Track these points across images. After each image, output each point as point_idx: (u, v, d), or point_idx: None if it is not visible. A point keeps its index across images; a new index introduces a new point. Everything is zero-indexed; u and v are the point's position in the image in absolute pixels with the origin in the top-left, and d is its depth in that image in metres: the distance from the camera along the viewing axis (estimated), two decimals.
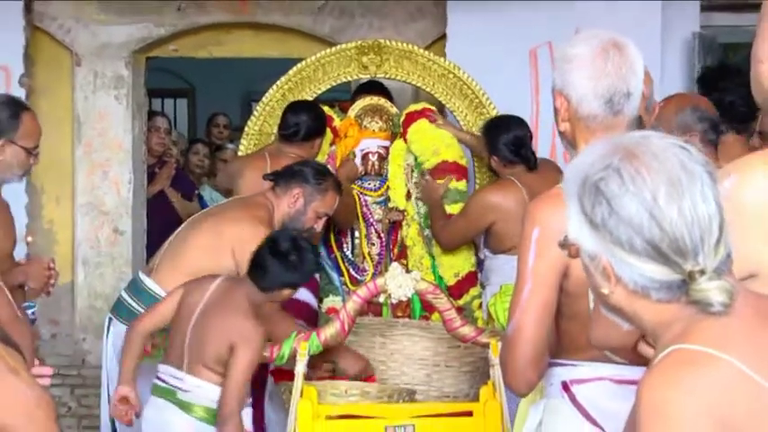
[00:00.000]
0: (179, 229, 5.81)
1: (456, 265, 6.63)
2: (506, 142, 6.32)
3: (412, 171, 6.72)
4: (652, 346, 2.65)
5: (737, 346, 2.10)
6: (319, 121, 6.52)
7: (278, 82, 6.93)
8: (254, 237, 5.39)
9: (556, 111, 3.40)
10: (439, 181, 6.63)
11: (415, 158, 6.72)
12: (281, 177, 5.79)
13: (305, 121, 6.43)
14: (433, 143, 6.69)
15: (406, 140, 6.73)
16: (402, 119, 6.77)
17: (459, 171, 6.71)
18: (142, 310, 5.51)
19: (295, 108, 6.53)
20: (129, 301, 5.61)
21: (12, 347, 2.58)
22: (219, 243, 5.51)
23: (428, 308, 5.52)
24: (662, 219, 2.12)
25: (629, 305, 2.21)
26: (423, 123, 6.72)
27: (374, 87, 7.22)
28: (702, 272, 2.12)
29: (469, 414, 4.90)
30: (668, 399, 2.06)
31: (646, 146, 2.18)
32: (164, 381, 4.90)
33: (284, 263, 4.93)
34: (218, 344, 4.77)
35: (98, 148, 7.90)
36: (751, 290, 2.25)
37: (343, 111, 6.99)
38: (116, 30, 7.86)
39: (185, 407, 4.83)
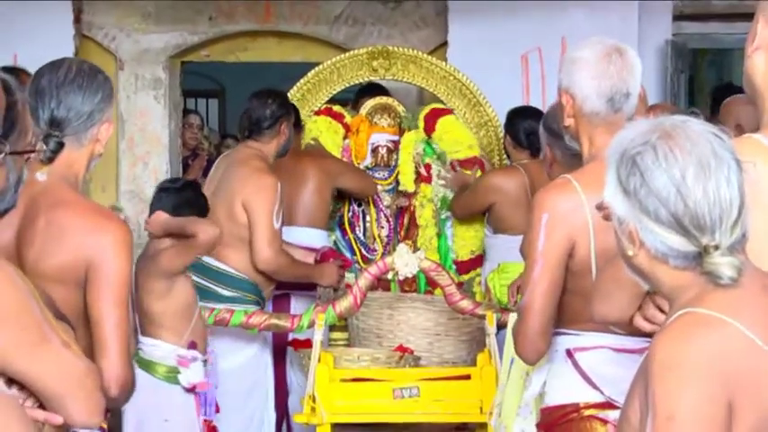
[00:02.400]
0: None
1: (473, 245, 6.63)
2: (522, 127, 6.30)
3: (421, 158, 6.69)
4: (648, 320, 2.66)
5: (743, 314, 2.12)
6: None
7: (298, 83, 6.92)
8: (264, 186, 5.41)
9: (562, 107, 3.39)
10: (467, 171, 6.63)
11: (428, 147, 6.68)
12: (261, 128, 5.74)
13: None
14: (468, 139, 6.70)
15: (429, 130, 6.70)
16: (426, 113, 6.75)
17: (482, 165, 6.70)
18: (206, 283, 5.52)
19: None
20: (195, 278, 5.63)
21: (64, 322, 2.57)
22: (235, 203, 5.57)
23: (432, 283, 5.51)
24: (687, 196, 2.13)
25: (650, 268, 2.22)
26: (453, 118, 6.72)
27: (375, 88, 7.21)
28: (717, 247, 2.13)
29: (468, 377, 4.90)
30: (678, 353, 2.08)
31: (683, 129, 2.19)
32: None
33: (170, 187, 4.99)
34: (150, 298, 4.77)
35: (139, 143, 7.91)
36: (758, 267, 2.25)
37: (356, 109, 6.99)
38: (155, 37, 7.86)
39: (143, 364, 4.76)
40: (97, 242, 2.99)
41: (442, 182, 6.66)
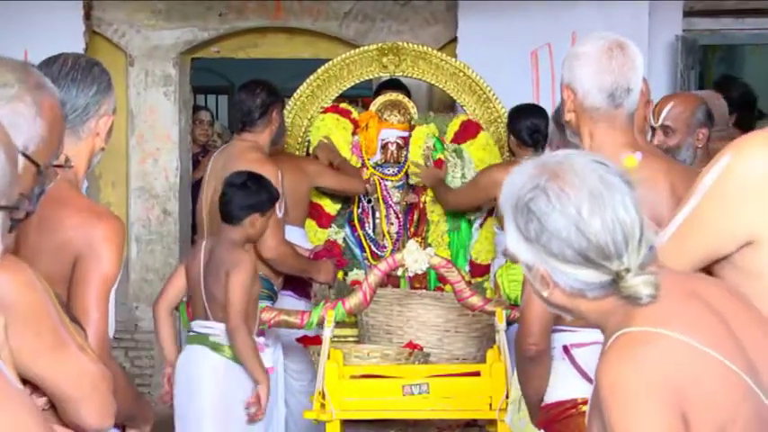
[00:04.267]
0: (207, 201, 5.82)
1: (493, 251, 6.61)
2: (524, 126, 6.31)
3: (431, 153, 6.68)
4: None
5: (674, 322, 2.13)
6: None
7: (308, 80, 6.91)
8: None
9: (563, 102, 3.39)
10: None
11: (438, 142, 6.67)
12: (254, 118, 5.78)
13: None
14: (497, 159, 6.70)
15: (469, 136, 6.66)
16: (465, 119, 6.72)
17: None
18: None
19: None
20: None
21: (77, 325, 2.58)
22: None
23: (442, 280, 5.51)
24: (587, 230, 2.14)
25: (570, 303, 2.25)
26: (489, 137, 6.71)
27: (394, 84, 7.20)
28: (628, 270, 2.15)
29: (477, 374, 4.90)
30: (623, 375, 2.09)
31: (568, 164, 2.20)
32: (197, 332, 4.97)
33: (243, 190, 5.03)
34: (221, 279, 4.86)
35: (149, 139, 7.91)
36: (671, 271, 2.27)
37: (366, 106, 6.97)
38: (165, 34, 7.87)
39: (216, 348, 4.89)
40: (85, 238, 2.95)
41: (465, 179, 6.63)
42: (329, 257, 5.97)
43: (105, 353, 2.95)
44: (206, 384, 4.84)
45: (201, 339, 4.91)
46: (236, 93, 6.03)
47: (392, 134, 6.68)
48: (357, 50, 6.99)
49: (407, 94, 7.05)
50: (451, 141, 6.68)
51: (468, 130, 6.69)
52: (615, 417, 2.07)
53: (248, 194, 5.03)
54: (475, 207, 6.54)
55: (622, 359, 2.11)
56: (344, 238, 6.61)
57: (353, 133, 6.73)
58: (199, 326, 4.97)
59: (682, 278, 2.27)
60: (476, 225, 6.67)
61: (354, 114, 6.76)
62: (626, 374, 2.08)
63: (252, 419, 4.86)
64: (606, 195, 2.15)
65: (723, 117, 5.85)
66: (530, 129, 6.30)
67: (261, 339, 5.04)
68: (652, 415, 2.05)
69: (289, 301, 5.89)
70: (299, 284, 6.02)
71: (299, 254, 5.77)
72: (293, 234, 6.08)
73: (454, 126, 6.71)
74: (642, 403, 2.06)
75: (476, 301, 4.99)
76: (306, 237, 6.39)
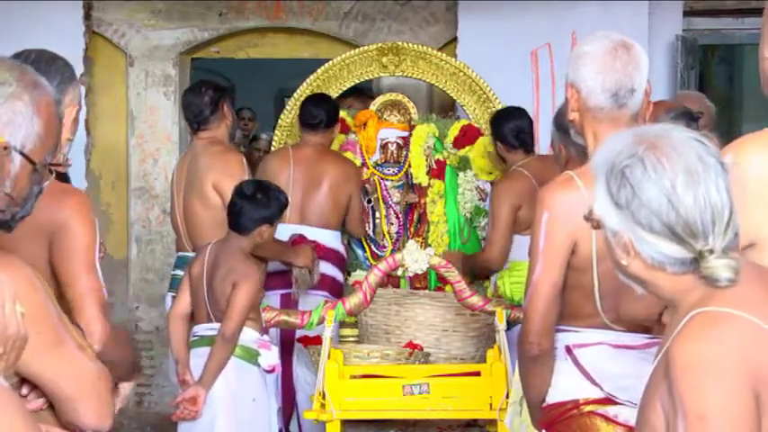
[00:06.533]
0: (180, 205, 5.84)
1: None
2: (509, 129, 6.26)
3: (432, 151, 6.67)
4: None
5: (751, 307, 2.14)
6: (337, 111, 6.47)
7: (308, 80, 6.91)
8: (230, 164, 5.43)
9: (567, 101, 3.38)
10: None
11: (438, 142, 6.67)
12: (206, 116, 5.81)
13: (327, 111, 6.35)
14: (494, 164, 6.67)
15: (468, 143, 6.65)
16: (465, 124, 6.72)
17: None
18: None
19: (316, 101, 6.46)
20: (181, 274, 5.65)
21: (75, 325, 2.58)
22: (206, 188, 5.68)
23: (443, 280, 5.51)
24: (678, 204, 2.15)
25: (647, 275, 2.24)
26: (488, 143, 6.69)
27: (357, 91, 7.27)
28: (711, 251, 2.15)
29: (477, 374, 4.90)
30: (699, 353, 2.09)
31: (667, 138, 2.20)
32: (201, 335, 4.97)
33: (254, 202, 5.01)
34: (227, 289, 4.86)
35: (149, 139, 7.91)
36: (751, 261, 2.29)
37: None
38: (165, 34, 7.86)
39: None
40: (54, 217, 3.00)
41: (472, 192, 6.60)
42: (306, 243, 5.98)
43: (105, 313, 3.00)
44: (216, 384, 4.84)
45: (208, 341, 4.90)
46: (184, 96, 6.09)
47: (392, 134, 6.68)
48: (357, 50, 6.99)
49: (370, 98, 7.10)
50: (452, 144, 6.67)
51: (468, 136, 6.68)
52: (686, 394, 2.08)
53: (259, 206, 5.02)
54: (512, 235, 6.18)
55: (698, 337, 2.12)
56: (349, 240, 6.61)
57: (345, 132, 6.72)
58: (204, 329, 4.97)
59: (761, 269, 2.28)
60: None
61: (348, 121, 6.75)
62: (700, 352, 2.09)
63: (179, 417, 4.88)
64: (702, 173, 2.16)
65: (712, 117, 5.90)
66: (514, 131, 6.23)
67: (266, 337, 5.04)
68: (725, 393, 2.07)
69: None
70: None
71: (277, 239, 5.79)
72: (328, 237, 6.13)
73: (454, 130, 6.69)
74: (715, 382, 2.07)
75: (476, 300, 4.99)
76: (340, 239, 6.38)
